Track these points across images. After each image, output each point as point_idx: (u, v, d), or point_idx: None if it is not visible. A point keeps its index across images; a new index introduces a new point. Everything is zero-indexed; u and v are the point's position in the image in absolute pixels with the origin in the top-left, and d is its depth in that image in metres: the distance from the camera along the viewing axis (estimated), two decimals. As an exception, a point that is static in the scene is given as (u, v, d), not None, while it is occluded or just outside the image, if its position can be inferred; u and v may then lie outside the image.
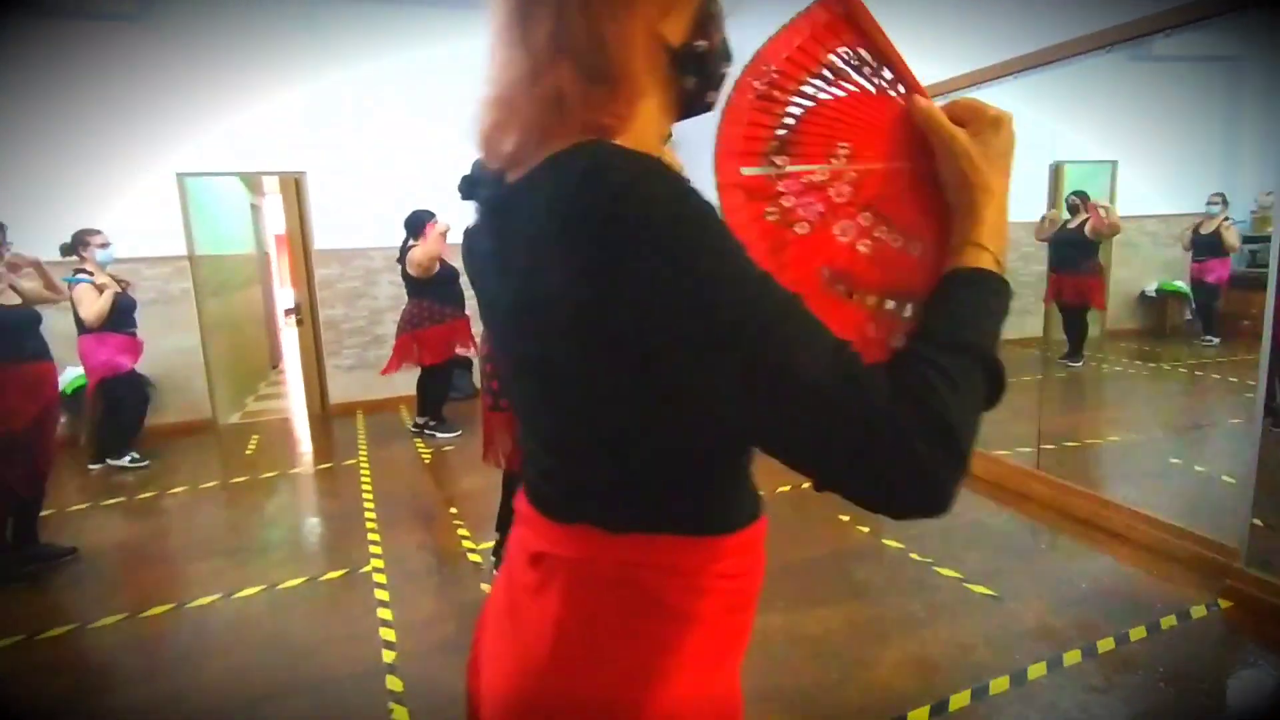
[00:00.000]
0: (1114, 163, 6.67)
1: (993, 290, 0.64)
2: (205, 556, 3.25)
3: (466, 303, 4.88)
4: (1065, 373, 6.01)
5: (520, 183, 0.64)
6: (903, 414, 0.54)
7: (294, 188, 5.59)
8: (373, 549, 3.18)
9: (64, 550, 3.19)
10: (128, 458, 4.53)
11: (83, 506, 3.94)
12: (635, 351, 0.58)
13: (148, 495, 4.08)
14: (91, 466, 4.52)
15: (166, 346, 5.28)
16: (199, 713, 2.13)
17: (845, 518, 3.31)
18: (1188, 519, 2.87)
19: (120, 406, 4.55)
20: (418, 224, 4.68)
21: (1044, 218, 5.96)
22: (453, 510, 3.63)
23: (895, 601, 2.60)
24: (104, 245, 4.28)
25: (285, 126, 5.46)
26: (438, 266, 4.66)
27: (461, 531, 3.35)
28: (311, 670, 2.31)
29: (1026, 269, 6.80)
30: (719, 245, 0.56)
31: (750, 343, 0.54)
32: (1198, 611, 2.44)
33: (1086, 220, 5.82)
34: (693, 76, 0.68)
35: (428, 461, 4.50)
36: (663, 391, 0.61)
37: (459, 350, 4.94)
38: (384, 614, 2.63)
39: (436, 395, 5.05)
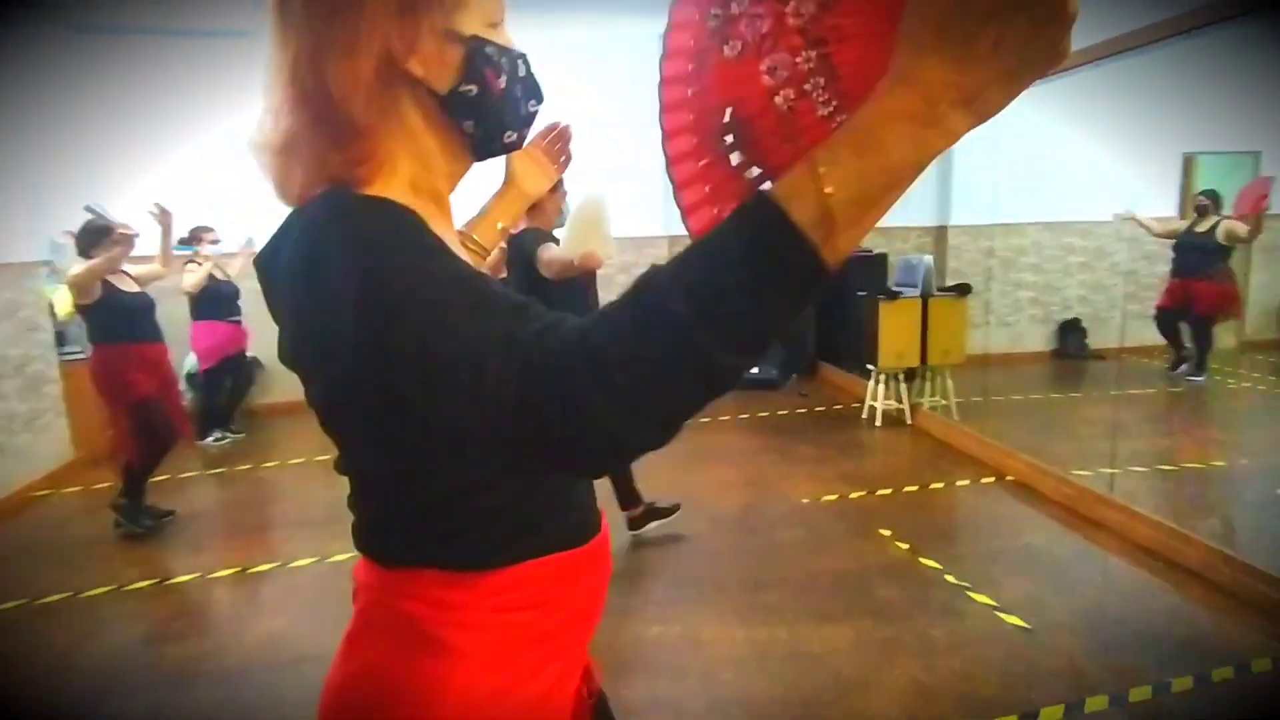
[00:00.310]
0: (1257, 154, 5.92)
1: (763, 245, 0.46)
2: (276, 526, 3.58)
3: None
4: (1184, 387, 5.43)
5: (278, 232, 0.67)
6: (541, 389, 0.49)
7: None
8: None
9: (164, 512, 3.59)
10: (212, 437, 5.01)
11: (192, 474, 4.42)
12: (354, 386, 0.61)
13: (244, 467, 4.51)
14: (200, 440, 5.03)
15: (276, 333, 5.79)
16: (237, 670, 2.36)
17: (886, 532, 3.17)
18: (1276, 559, 2.55)
19: (218, 389, 5.05)
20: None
21: (1122, 216, 5.35)
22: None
23: (915, 624, 2.47)
24: (214, 241, 4.77)
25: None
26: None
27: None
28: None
29: (1150, 270, 6.20)
30: (401, 269, 0.56)
31: (418, 352, 0.53)
32: (1260, 664, 2.17)
33: (1218, 223, 5.21)
34: (469, 120, 0.69)
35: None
36: (385, 425, 0.63)
37: None
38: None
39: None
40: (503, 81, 0.69)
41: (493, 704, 0.69)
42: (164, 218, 3.51)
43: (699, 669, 2.25)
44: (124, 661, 2.44)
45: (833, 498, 3.60)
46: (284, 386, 5.88)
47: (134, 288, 3.40)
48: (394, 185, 0.65)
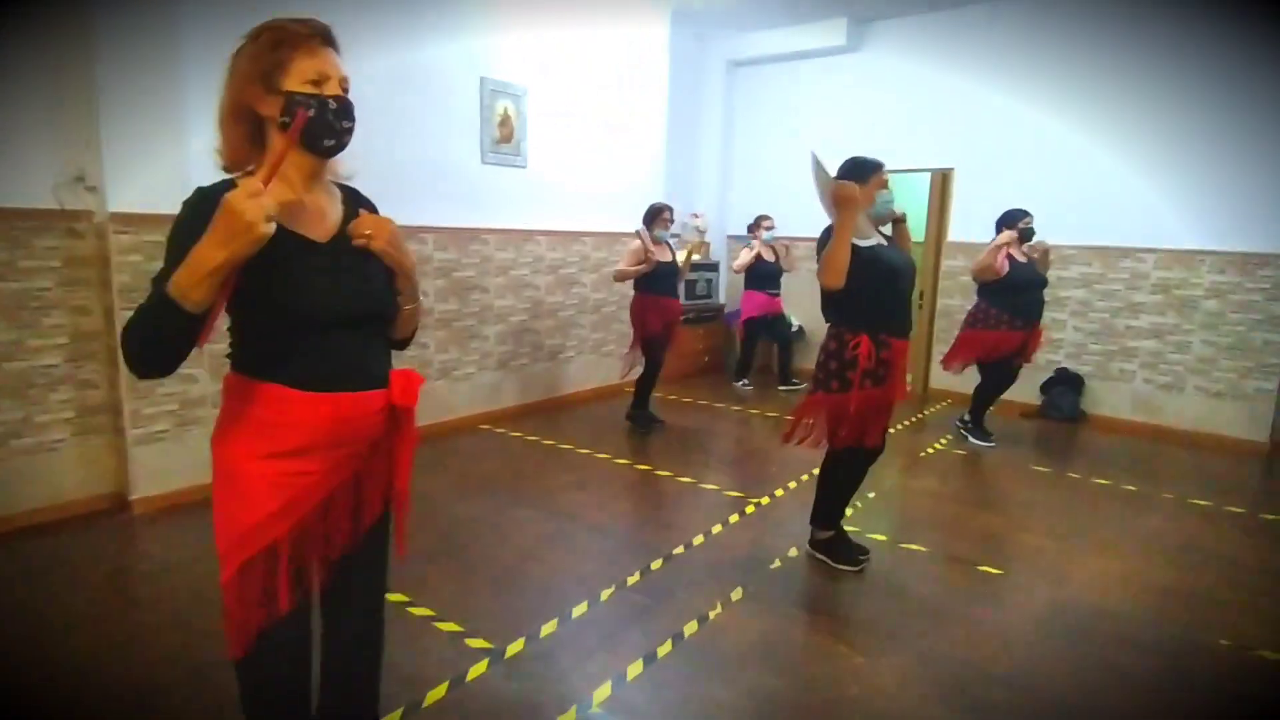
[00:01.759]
0: None
1: (158, 298, 1.11)
2: (717, 457, 4.53)
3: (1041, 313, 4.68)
4: None
5: None
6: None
7: (941, 182, 6.06)
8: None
9: (658, 422, 4.94)
10: (741, 381, 6.30)
11: (721, 406, 5.78)
12: None
13: (753, 412, 5.63)
14: (734, 381, 6.41)
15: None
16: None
17: None
18: None
19: (751, 344, 6.29)
20: (1003, 222, 4.64)
21: None
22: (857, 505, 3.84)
23: None
24: (770, 228, 5.92)
25: (937, 127, 5.96)
26: (1000, 272, 4.50)
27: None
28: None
29: None
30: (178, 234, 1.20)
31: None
32: None
33: None
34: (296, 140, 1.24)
35: (924, 455, 4.61)
36: None
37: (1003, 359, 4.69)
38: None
39: (983, 395, 4.93)
40: (311, 112, 1.23)
41: (227, 450, 1.30)
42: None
43: None
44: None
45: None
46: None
47: (668, 257, 4.73)
48: (275, 178, 1.19)
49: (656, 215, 4.66)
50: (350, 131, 1.32)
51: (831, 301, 2.76)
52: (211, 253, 1.08)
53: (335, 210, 1.38)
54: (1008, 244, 4.50)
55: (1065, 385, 5.56)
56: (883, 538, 3.27)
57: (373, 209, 1.45)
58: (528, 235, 5.20)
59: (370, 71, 3.98)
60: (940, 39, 5.97)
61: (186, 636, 2.34)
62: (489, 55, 4.76)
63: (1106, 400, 5.50)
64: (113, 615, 2.50)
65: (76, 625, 2.41)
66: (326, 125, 1.27)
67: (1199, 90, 4.95)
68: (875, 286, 2.68)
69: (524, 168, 5.09)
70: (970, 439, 4.87)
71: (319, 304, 1.28)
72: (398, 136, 4.29)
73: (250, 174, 1.27)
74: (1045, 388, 5.63)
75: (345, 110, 1.30)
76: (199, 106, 3.31)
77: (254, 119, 1.28)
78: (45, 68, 3.01)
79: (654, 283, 4.69)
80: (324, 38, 1.30)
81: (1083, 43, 5.32)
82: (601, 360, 6.02)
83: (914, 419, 5.57)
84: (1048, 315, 5.55)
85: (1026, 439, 5.08)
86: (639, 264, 4.58)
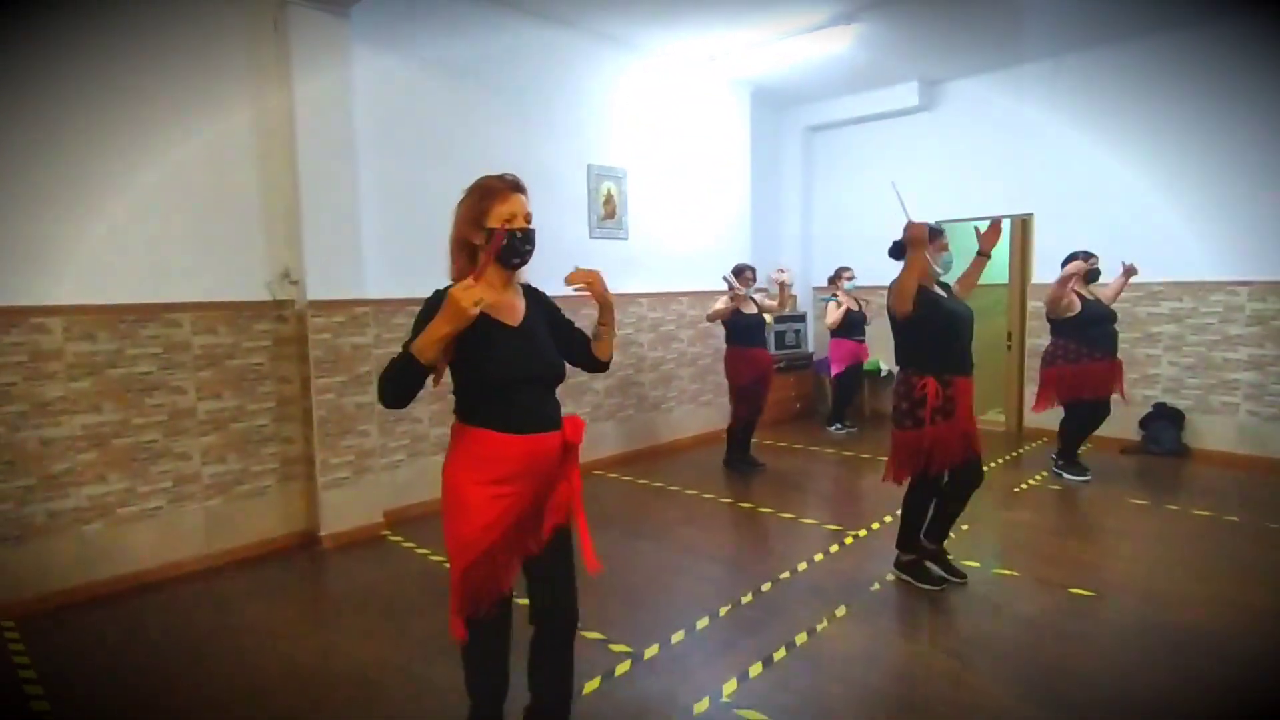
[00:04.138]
0: None
1: (403, 354, 1.66)
2: (812, 494, 4.86)
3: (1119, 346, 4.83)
4: None
5: None
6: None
7: (1020, 228, 6.28)
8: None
9: (759, 465, 5.33)
10: (834, 426, 6.56)
11: (815, 448, 6.11)
12: None
13: (847, 454, 5.93)
14: (827, 427, 6.71)
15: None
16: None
17: None
18: None
19: (846, 390, 6.58)
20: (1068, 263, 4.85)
21: None
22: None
23: None
24: (850, 279, 6.29)
25: (1012, 175, 6.21)
26: (1072, 309, 4.72)
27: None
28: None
29: None
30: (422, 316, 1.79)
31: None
32: None
33: None
34: (495, 256, 1.79)
35: (1018, 490, 4.78)
36: None
37: (1091, 394, 4.80)
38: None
39: (1069, 432, 5.05)
40: (504, 241, 1.77)
41: (460, 472, 1.79)
42: (781, 275, 5.23)
43: None
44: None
45: None
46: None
47: (753, 310, 5.19)
48: (482, 281, 1.74)
49: (739, 274, 5.14)
50: (531, 252, 1.85)
51: (902, 344, 3.18)
52: (439, 327, 1.62)
53: (522, 303, 1.90)
54: (1075, 275, 4.70)
55: (1164, 420, 5.58)
56: (975, 564, 3.52)
57: (539, 295, 1.98)
58: (631, 298, 5.79)
59: (499, 171, 4.72)
60: (1009, 94, 6.29)
61: (368, 643, 2.90)
62: (594, 145, 5.45)
63: (1210, 434, 5.49)
64: (309, 630, 3.09)
65: (283, 636, 3.00)
66: (514, 249, 1.81)
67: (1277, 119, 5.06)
68: (938, 330, 3.09)
69: (625, 239, 5.71)
70: (1064, 475, 4.99)
71: (513, 368, 1.79)
72: (521, 221, 4.99)
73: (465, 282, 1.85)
74: (1144, 423, 5.67)
75: (527, 237, 1.83)
76: (369, 218, 4.09)
77: (470, 248, 1.82)
78: (263, 201, 3.84)
79: (741, 335, 5.15)
80: (514, 187, 1.83)
81: (1148, 84, 5.53)
82: (700, 409, 6.47)
83: (1009, 457, 5.71)
84: (1140, 351, 5.66)
85: (1126, 474, 5.14)
86: (726, 306, 5.08)
